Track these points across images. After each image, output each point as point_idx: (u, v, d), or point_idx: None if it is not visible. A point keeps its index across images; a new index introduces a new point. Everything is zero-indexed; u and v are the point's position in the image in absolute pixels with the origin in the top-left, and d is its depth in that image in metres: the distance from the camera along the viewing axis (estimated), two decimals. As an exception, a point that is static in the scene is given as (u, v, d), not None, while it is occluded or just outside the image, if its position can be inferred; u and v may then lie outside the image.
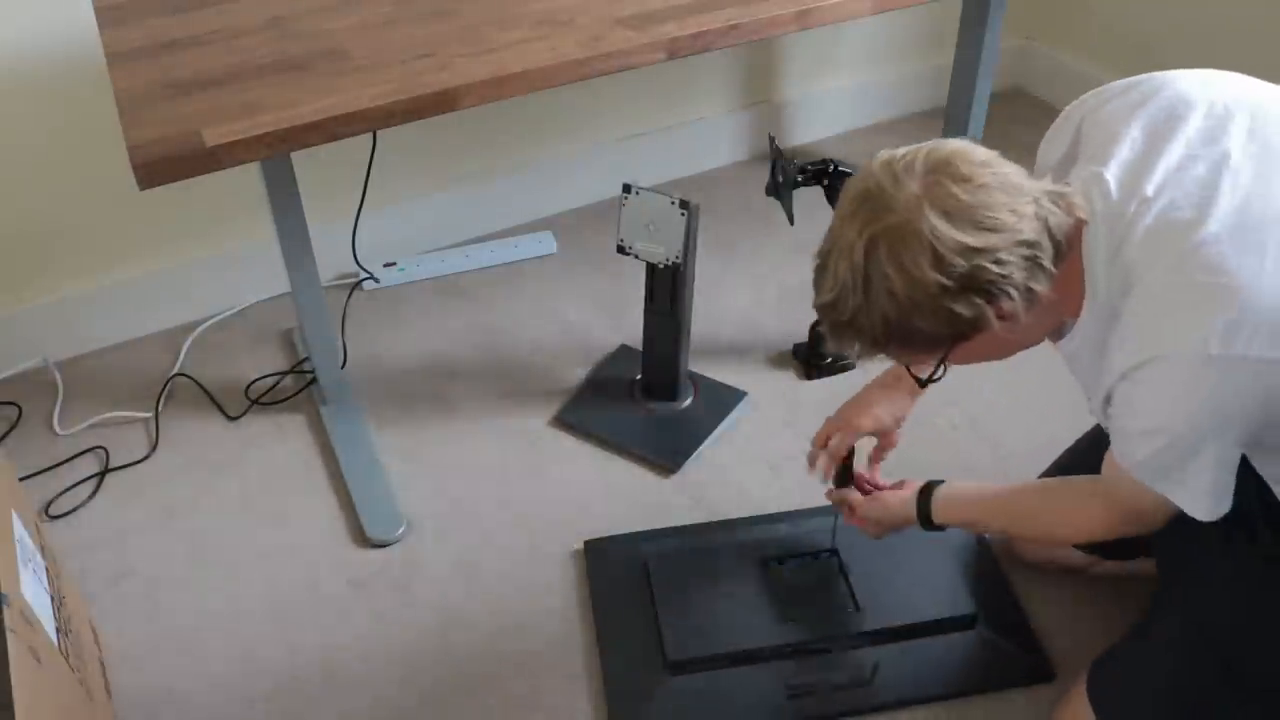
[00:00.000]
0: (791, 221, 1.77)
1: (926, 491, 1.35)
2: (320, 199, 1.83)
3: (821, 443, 1.45)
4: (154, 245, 2.03)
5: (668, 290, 1.73)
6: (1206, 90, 1.09)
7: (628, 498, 1.71)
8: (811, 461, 1.47)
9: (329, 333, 1.83)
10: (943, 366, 1.10)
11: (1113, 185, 1.04)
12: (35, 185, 1.87)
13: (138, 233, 2.00)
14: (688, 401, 1.87)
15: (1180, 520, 1.11)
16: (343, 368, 1.95)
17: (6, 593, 1.07)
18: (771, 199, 1.81)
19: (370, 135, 1.76)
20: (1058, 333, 1.14)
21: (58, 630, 1.22)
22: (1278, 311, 0.96)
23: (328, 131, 1.31)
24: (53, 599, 1.26)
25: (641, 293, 1.77)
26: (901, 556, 1.52)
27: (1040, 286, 1.00)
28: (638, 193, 1.66)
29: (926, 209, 0.97)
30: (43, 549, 1.34)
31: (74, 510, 1.74)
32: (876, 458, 1.49)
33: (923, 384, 1.17)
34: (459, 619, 1.55)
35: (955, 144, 1.03)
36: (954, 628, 1.46)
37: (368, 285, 2.17)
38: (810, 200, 1.84)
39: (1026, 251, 0.98)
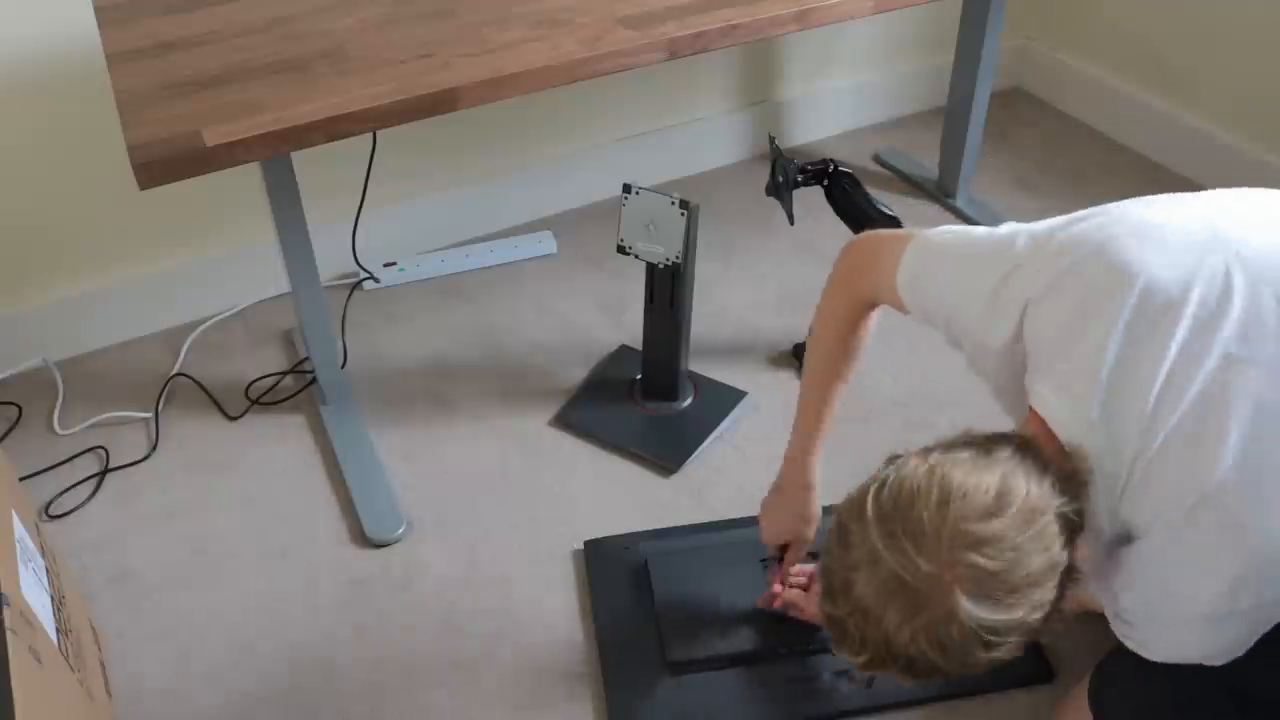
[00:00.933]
0: (792, 221, 1.77)
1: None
2: (320, 199, 1.83)
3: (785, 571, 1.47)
4: (154, 245, 2.03)
5: (668, 290, 1.73)
6: (1180, 257, 0.99)
7: (628, 498, 1.71)
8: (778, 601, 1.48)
9: (329, 333, 1.83)
10: None
11: (1100, 432, 0.98)
12: (35, 185, 1.87)
13: (138, 233, 2.00)
14: (688, 401, 1.87)
15: None
16: (343, 368, 1.95)
17: (6, 593, 1.07)
18: (771, 199, 1.81)
19: (370, 135, 1.76)
20: None
21: (58, 630, 1.22)
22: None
23: (328, 131, 1.31)
24: (53, 599, 1.26)
25: (641, 293, 1.77)
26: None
27: (1075, 585, 0.96)
28: (638, 193, 1.66)
29: (959, 595, 0.89)
30: (43, 549, 1.34)
31: (74, 510, 1.74)
32: (791, 562, 1.48)
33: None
34: (459, 619, 1.55)
35: (956, 487, 0.92)
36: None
37: (368, 285, 2.17)
38: (810, 200, 1.84)
39: (1062, 578, 0.94)
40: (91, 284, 2.01)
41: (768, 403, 1.87)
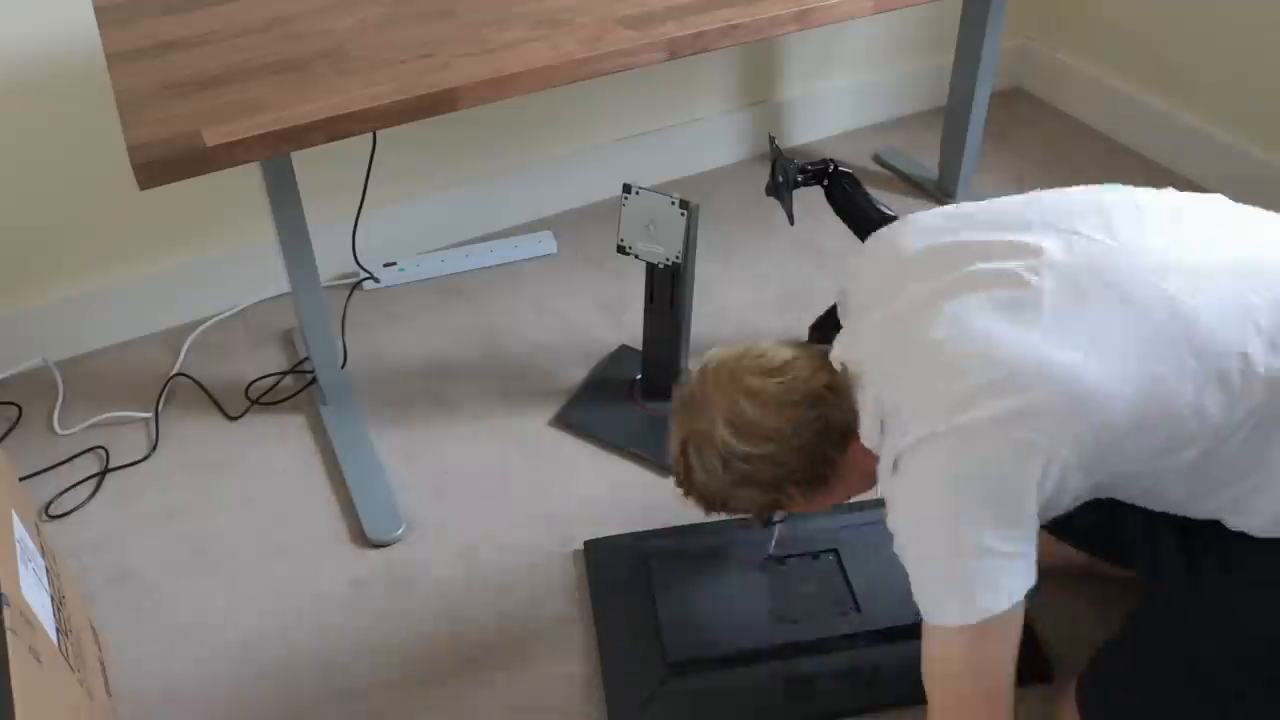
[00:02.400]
0: (791, 221, 1.77)
1: None
2: (320, 199, 1.83)
3: None
4: (154, 245, 2.03)
5: (668, 290, 1.73)
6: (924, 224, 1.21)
7: (628, 498, 1.71)
8: None
9: (329, 333, 1.83)
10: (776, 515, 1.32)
11: (851, 340, 1.18)
12: (35, 185, 1.87)
13: (138, 233, 2.00)
14: (688, 401, 1.86)
15: (1152, 555, 1.16)
16: (343, 368, 1.95)
17: (6, 593, 1.07)
18: (771, 199, 1.81)
19: (370, 135, 1.76)
20: None
21: (58, 630, 1.22)
22: (1018, 366, 1.01)
23: (328, 131, 1.31)
24: (53, 599, 1.26)
25: (641, 293, 1.77)
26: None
27: (825, 470, 1.17)
28: (638, 193, 1.66)
29: (719, 421, 1.16)
30: (43, 549, 1.34)
31: (74, 510, 1.74)
32: None
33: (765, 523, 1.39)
34: (459, 619, 1.55)
35: (760, 348, 1.19)
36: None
37: (368, 285, 2.17)
38: (810, 200, 1.84)
39: (806, 450, 1.15)
40: (91, 284, 2.01)
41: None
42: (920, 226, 1.21)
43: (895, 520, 1.10)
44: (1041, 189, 1.21)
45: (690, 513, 1.67)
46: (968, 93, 2.20)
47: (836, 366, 1.18)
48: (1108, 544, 1.42)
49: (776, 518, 1.41)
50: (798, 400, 1.14)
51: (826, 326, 1.72)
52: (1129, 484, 1.10)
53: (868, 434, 1.14)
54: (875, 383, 1.13)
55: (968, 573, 1.04)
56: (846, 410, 1.15)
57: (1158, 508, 1.15)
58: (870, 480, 1.19)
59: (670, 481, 1.72)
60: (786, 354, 1.18)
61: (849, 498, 1.27)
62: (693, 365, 1.86)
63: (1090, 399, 0.99)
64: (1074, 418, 1.00)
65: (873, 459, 1.14)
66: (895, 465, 1.07)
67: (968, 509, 1.02)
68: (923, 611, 1.09)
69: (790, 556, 1.55)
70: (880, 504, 1.66)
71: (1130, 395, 1.00)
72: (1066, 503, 1.07)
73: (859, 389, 1.14)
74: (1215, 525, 1.13)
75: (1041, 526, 1.51)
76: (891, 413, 1.09)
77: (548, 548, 1.64)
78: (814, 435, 1.15)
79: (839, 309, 1.31)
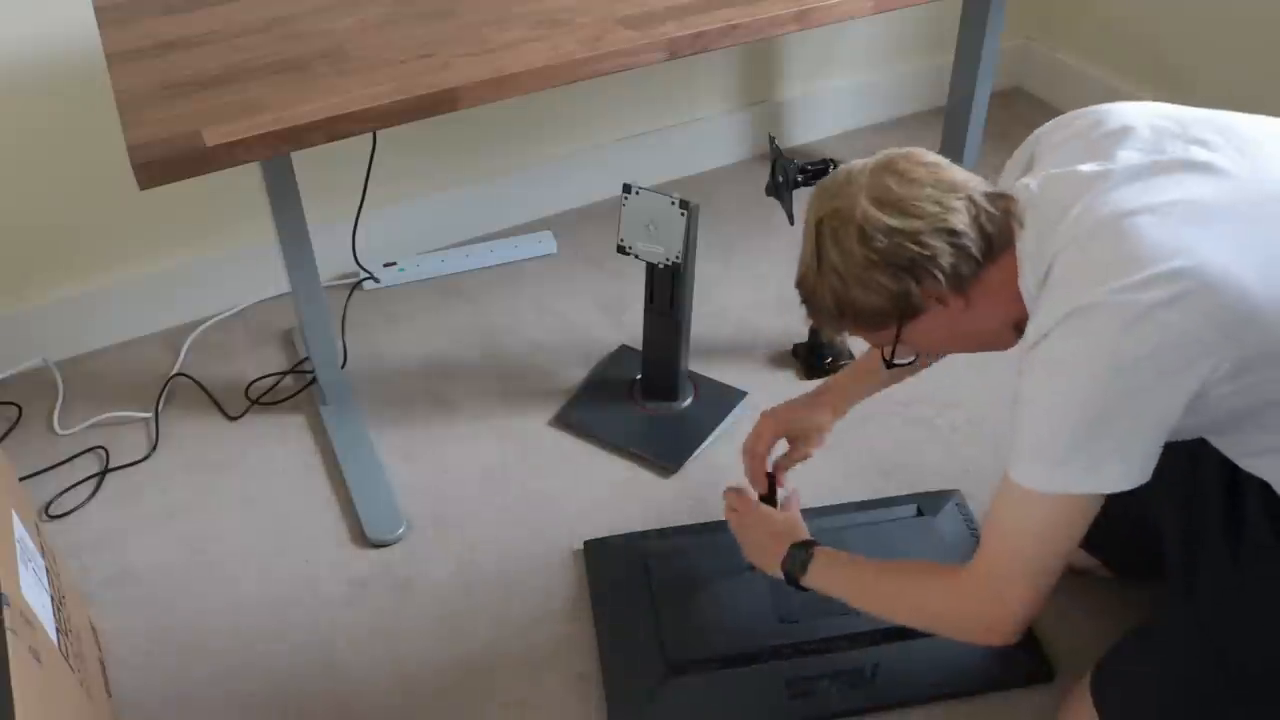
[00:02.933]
0: (791, 221, 1.77)
1: (805, 547, 1.35)
2: (320, 199, 1.83)
3: (751, 443, 1.52)
4: (154, 245, 2.03)
5: (668, 290, 1.73)
6: (1150, 110, 1.17)
7: (628, 498, 1.71)
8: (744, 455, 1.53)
9: (329, 333, 1.83)
10: (902, 350, 1.19)
11: (1042, 184, 1.11)
12: (35, 185, 1.87)
13: (138, 233, 2.00)
14: (688, 401, 1.87)
15: (1188, 528, 1.13)
16: (343, 368, 1.95)
17: (6, 593, 1.07)
18: (771, 199, 1.81)
19: (370, 135, 1.76)
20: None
21: (58, 630, 1.22)
22: (1217, 282, 0.96)
23: (328, 131, 1.31)
24: (53, 599, 1.26)
25: (641, 293, 1.77)
26: (901, 556, 1.52)
27: (967, 271, 1.09)
28: (638, 193, 1.66)
29: (862, 197, 1.10)
30: (43, 549, 1.34)
31: (74, 510, 1.74)
32: (783, 466, 1.54)
33: (888, 365, 1.23)
34: (459, 619, 1.55)
35: (910, 149, 1.14)
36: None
37: (368, 285, 2.17)
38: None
39: (950, 238, 1.08)
40: (91, 284, 2.01)
41: (768, 403, 1.85)
42: (1130, 111, 1.18)
43: (1030, 378, 1.06)
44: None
45: (690, 513, 1.68)
46: (968, 93, 2.20)
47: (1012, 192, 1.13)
48: (1115, 547, 1.42)
49: (897, 355, 1.23)
50: (951, 186, 1.10)
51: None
52: (1248, 418, 1.07)
53: (1027, 268, 1.08)
54: (1050, 227, 1.07)
55: (1078, 448, 1.02)
56: (1004, 227, 1.10)
57: (1242, 453, 1.12)
58: (1001, 337, 1.16)
59: (670, 481, 1.74)
60: (946, 163, 1.14)
61: (972, 346, 1.22)
62: (693, 366, 1.88)
63: (1261, 317, 0.98)
64: (1247, 329, 0.98)
65: (1015, 307, 1.11)
66: (1047, 333, 1.03)
67: (1114, 390, 1.00)
68: (1011, 465, 1.08)
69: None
70: (882, 504, 1.66)
71: None
72: (1192, 425, 1.05)
73: (1024, 223, 1.09)
74: (1266, 521, 1.12)
75: None
76: (1058, 274, 1.05)
77: (547, 548, 1.64)
78: (965, 226, 1.08)
79: (1007, 174, 1.27)
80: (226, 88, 1.36)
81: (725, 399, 1.86)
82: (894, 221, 1.08)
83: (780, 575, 1.35)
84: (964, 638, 1.21)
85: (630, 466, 1.77)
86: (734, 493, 1.48)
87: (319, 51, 1.44)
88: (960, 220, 1.08)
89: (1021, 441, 1.07)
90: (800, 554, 1.33)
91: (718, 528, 1.63)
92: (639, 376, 1.89)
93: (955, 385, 1.84)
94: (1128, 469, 1.03)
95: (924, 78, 2.61)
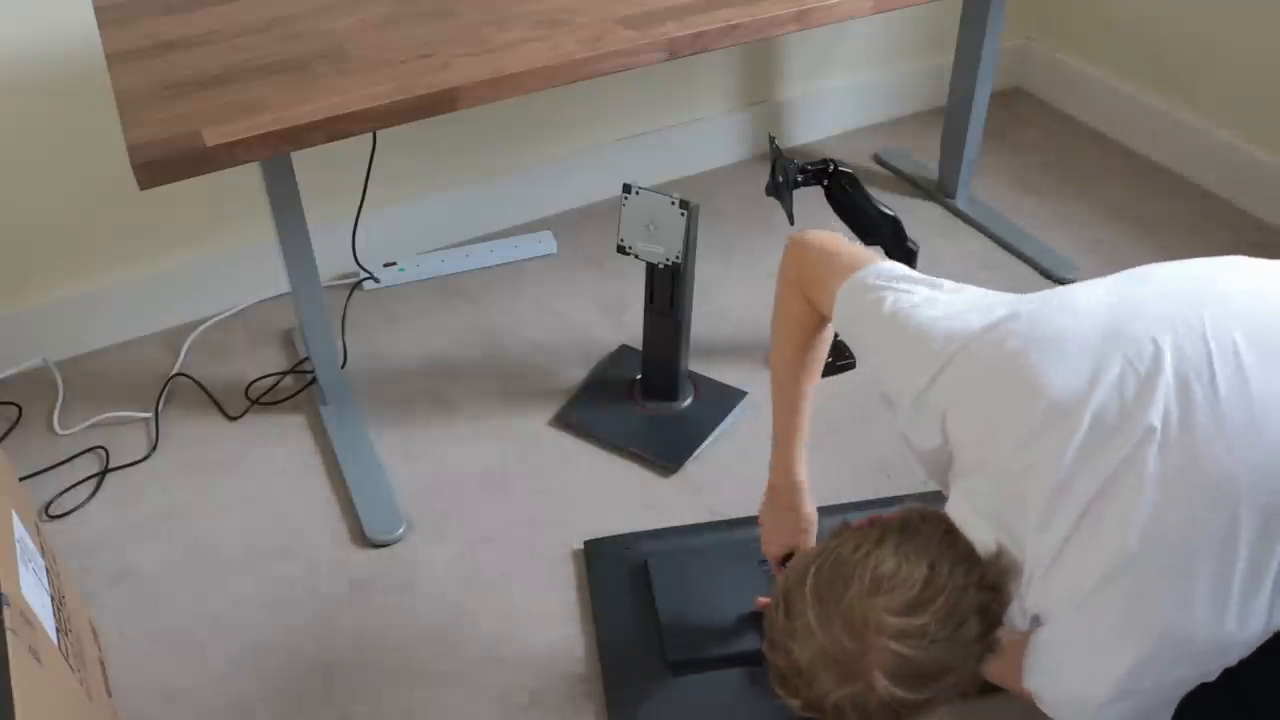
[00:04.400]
0: (792, 221, 1.78)
1: None
2: (320, 199, 1.83)
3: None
4: (154, 245, 2.03)
5: (668, 290, 1.73)
6: (1081, 362, 1.03)
7: (628, 498, 1.71)
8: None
9: (329, 333, 1.83)
10: None
11: (1005, 537, 1.04)
12: (35, 185, 1.87)
13: (138, 233, 2.00)
14: (688, 401, 1.87)
15: None
16: (343, 368, 1.95)
17: (6, 593, 1.07)
18: (771, 199, 1.81)
19: (370, 135, 1.76)
20: None
21: (58, 630, 1.22)
22: (1200, 641, 0.96)
23: (328, 131, 1.31)
24: (53, 599, 1.26)
25: (641, 293, 1.77)
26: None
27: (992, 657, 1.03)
28: (638, 193, 1.66)
29: (878, 675, 0.98)
30: (43, 549, 1.34)
31: (74, 510, 1.74)
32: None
33: None
34: (459, 619, 1.55)
35: (886, 579, 1.00)
36: None
37: (368, 285, 2.17)
38: (810, 201, 1.84)
39: (978, 659, 1.02)
40: (91, 284, 2.01)
41: (768, 402, 1.86)
42: (1039, 348, 1.05)
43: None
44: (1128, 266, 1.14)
45: (690, 513, 1.68)
46: (968, 93, 2.20)
47: (980, 548, 1.05)
48: None
49: None
50: (961, 622, 0.99)
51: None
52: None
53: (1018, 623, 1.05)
54: (1040, 567, 1.02)
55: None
56: (1006, 598, 1.05)
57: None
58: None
59: (670, 481, 1.74)
60: (919, 571, 1.01)
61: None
62: (693, 366, 1.87)
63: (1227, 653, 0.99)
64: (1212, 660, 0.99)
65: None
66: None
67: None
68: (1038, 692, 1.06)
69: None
70: (882, 504, 1.66)
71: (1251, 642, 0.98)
72: None
73: (1015, 577, 1.04)
74: None
75: None
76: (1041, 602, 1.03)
77: (547, 548, 1.64)
78: (983, 647, 1.02)
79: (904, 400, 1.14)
80: (226, 88, 1.36)
81: (725, 399, 1.86)
82: (926, 694, 0.99)
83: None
84: None
85: (630, 466, 1.77)
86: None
87: (319, 51, 1.44)
88: (980, 644, 1.01)
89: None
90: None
91: (717, 528, 1.63)
92: (639, 376, 1.89)
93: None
94: None
95: (924, 78, 2.61)
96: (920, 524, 1.06)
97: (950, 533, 1.05)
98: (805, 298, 1.30)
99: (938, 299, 1.14)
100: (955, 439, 1.09)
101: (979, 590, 1.01)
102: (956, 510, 1.08)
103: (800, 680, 1.04)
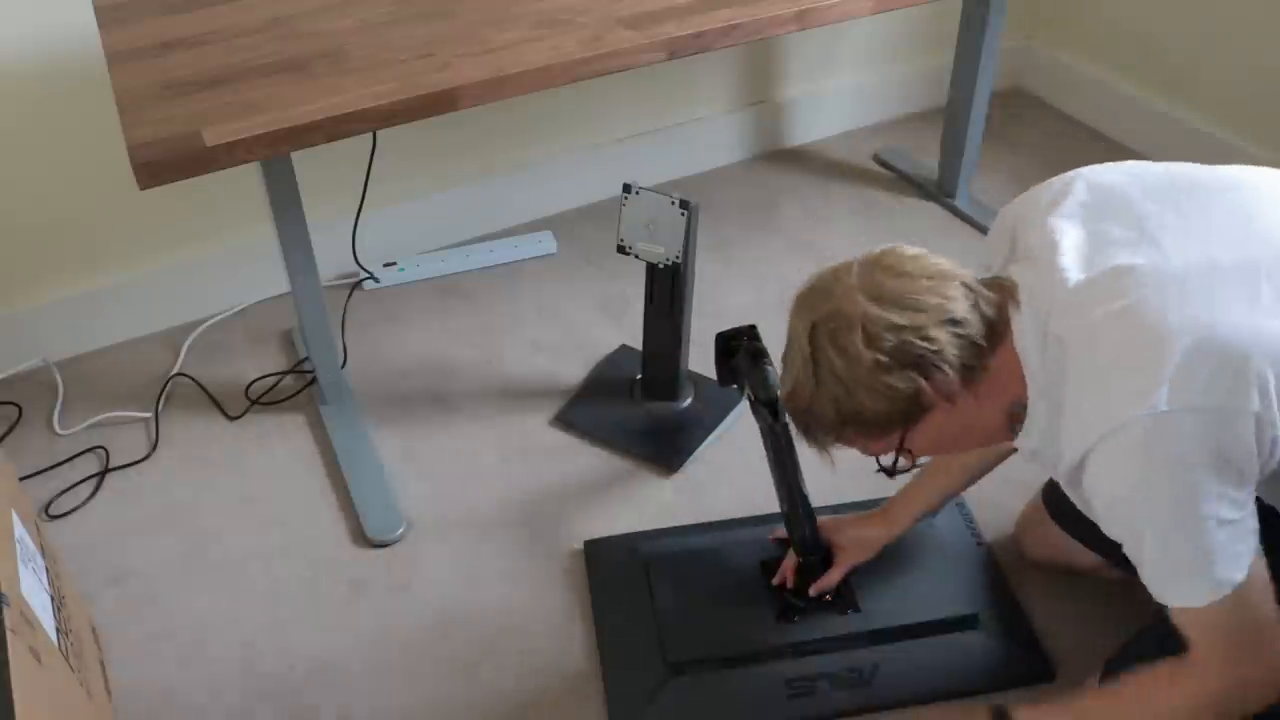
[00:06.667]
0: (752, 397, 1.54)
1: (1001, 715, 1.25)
2: (320, 199, 1.83)
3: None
4: (154, 245, 2.03)
5: (668, 290, 1.73)
6: (1128, 173, 1.15)
7: (628, 498, 1.71)
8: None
9: (329, 333, 1.83)
10: (904, 456, 1.13)
11: (1037, 269, 1.09)
12: (36, 185, 1.87)
13: (138, 233, 2.00)
14: (688, 401, 1.87)
15: None
16: (343, 368, 1.95)
17: (6, 593, 1.07)
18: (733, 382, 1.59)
19: (370, 135, 1.76)
20: (1015, 429, 1.14)
21: (58, 630, 1.22)
22: (1231, 354, 0.96)
23: (328, 131, 1.31)
24: (53, 599, 1.26)
25: (641, 293, 1.77)
26: (902, 556, 1.52)
27: (973, 361, 1.06)
28: (638, 193, 1.66)
29: (859, 295, 1.06)
30: (43, 549, 1.34)
31: (74, 510, 1.74)
32: (821, 586, 1.49)
33: (890, 474, 1.17)
34: (459, 619, 1.55)
35: (889, 246, 1.11)
36: (954, 628, 1.46)
37: (368, 285, 2.17)
38: (811, 201, 1.84)
39: (954, 329, 1.05)
40: (91, 284, 2.01)
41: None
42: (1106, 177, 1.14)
43: (1111, 515, 1.04)
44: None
45: (690, 513, 1.68)
46: (968, 93, 2.20)
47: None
48: (1119, 546, 1.41)
49: (900, 463, 1.16)
50: (944, 275, 1.07)
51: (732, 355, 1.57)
52: None
53: (1031, 350, 1.06)
54: (1048, 315, 1.05)
55: (1209, 552, 0.99)
56: (1001, 312, 1.08)
57: None
58: (1000, 429, 1.13)
59: (670, 481, 1.74)
60: (936, 258, 1.10)
61: (974, 442, 1.19)
62: (693, 366, 1.87)
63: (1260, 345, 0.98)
64: (1253, 362, 0.97)
65: (1012, 391, 1.09)
66: (1083, 461, 1.02)
67: (1201, 488, 0.98)
68: (1164, 598, 1.04)
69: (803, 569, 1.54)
70: (880, 503, 1.66)
71: None
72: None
73: (1020, 304, 1.07)
74: None
75: (1050, 516, 1.49)
76: (1078, 377, 1.02)
77: (548, 548, 1.64)
78: (967, 313, 1.06)
79: (989, 253, 1.21)
80: (226, 88, 1.36)
81: (725, 399, 1.86)
82: (898, 318, 1.04)
83: None
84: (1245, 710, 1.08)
85: (630, 466, 1.77)
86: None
87: (319, 51, 1.44)
88: (961, 308, 1.06)
89: (1160, 571, 1.04)
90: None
91: (718, 528, 1.63)
92: (639, 376, 1.89)
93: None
94: (1252, 531, 1.01)
95: (924, 78, 2.61)
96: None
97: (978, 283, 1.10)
98: None
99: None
100: (1018, 236, 1.16)
101: (975, 280, 1.09)
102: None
103: (790, 336, 1.11)
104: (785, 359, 1.13)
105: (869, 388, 1.05)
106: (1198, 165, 1.17)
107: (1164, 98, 2.43)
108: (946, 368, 1.05)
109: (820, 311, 1.08)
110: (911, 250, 1.10)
